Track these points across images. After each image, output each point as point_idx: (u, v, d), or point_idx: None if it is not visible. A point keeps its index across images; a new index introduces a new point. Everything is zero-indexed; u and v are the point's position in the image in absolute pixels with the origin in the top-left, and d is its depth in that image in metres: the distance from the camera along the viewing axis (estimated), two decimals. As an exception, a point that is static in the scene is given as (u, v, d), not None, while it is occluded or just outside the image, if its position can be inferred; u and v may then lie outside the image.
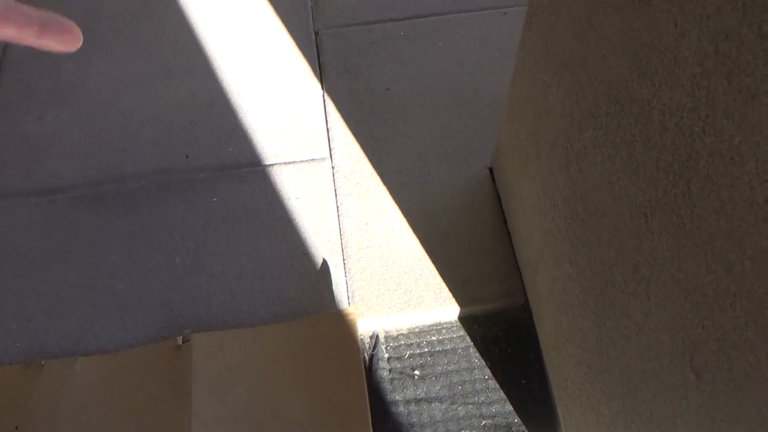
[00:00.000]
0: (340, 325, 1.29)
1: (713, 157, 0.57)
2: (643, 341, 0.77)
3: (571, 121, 0.92)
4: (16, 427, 1.18)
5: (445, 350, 1.34)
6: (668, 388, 0.72)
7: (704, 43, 0.56)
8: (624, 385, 0.84)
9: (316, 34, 1.83)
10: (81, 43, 0.35)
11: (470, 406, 1.27)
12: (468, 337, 1.36)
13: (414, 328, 1.37)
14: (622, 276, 0.80)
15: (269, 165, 1.57)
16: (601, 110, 0.81)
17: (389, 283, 1.37)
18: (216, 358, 1.25)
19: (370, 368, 1.31)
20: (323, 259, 1.41)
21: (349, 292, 1.36)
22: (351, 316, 1.30)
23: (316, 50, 1.79)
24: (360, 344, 1.31)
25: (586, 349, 0.97)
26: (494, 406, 1.27)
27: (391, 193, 1.51)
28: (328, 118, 1.65)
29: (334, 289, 1.37)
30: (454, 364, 1.32)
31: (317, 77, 1.73)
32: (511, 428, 1.24)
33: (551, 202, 1.07)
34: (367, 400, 1.21)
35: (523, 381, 1.30)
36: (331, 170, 1.56)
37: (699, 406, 0.65)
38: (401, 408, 1.26)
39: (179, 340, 1.28)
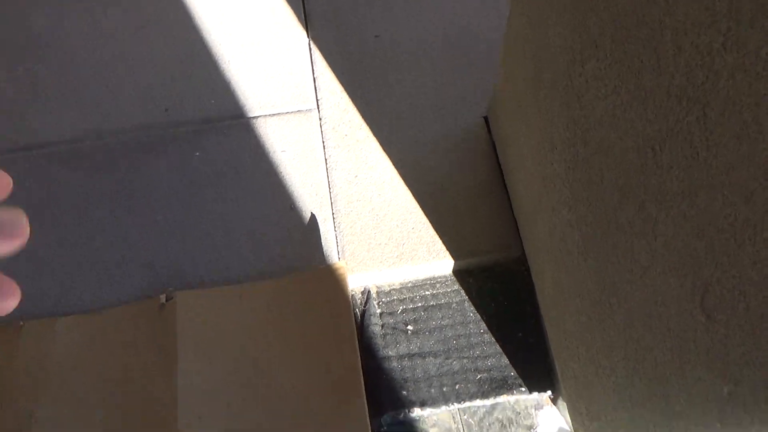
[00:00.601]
0: (330, 280, 1.24)
1: (735, 74, 0.51)
2: (648, 285, 0.72)
3: (572, 55, 0.86)
4: (-5, 390, 1.14)
5: (440, 305, 1.30)
6: (675, 334, 0.67)
7: (727, -57, 0.50)
8: (626, 333, 0.80)
9: (301, -21, 1.74)
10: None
11: (465, 360, 1.24)
12: (463, 291, 1.32)
13: (407, 283, 1.33)
14: (627, 217, 0.75)
15: (253, 117, 1.50)
16: (605, 38, 0.75)
17: (380, 236, 1.32)
18: (201, 316, 1.20)
19: (361, 324, 1.27)
20: (311, 213, 1.36)
21: (339, 247, 1.32)
22: (341, 271, 1.25)
23: (300, -4, 1.70)
24: (351, 300, 1.27)
25: (586, 297, 0.93)
26: (490, 359, 1.24)
27: (381, 144, 1.45)
28: (314, 68, 1.57)
29: (323, 244, 1.32)
30: (449, 318, 1.28)
31: (302, 25, 1.64)
32: (506, 382, 1.21)
33: (550, 146, 1.02)
34: (359, 357, 1.18)
35: (520, 334, 1.27)
36: (319, 121, 1.49)
37: (709, 349, 0.61)
38: (394, 363, 1.23)
39: (162, 298, 1.23)
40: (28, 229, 0.31)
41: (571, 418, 1.11)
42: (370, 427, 1.10)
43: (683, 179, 0.61)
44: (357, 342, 1.19)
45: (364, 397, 1.13)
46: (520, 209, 1.29)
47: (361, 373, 1.16)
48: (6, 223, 0.29)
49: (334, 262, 1.28)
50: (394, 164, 1.42)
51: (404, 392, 1.20)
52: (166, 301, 1.23)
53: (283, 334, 1.19)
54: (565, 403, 1.16)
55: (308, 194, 1.39)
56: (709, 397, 0.61)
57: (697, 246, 0.61)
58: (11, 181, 0.31)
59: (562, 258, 1.02)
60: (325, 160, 1.43)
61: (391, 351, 1.24)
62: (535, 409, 1.21)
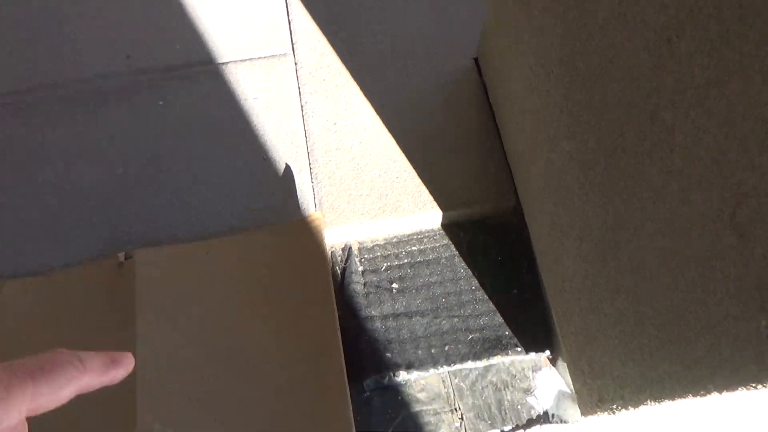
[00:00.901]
0: (305, 233, 1.13)
1: None
2: (662, 211, 0.61)
3: (570, -48, 0.73)
4: (-65, 358, 1.03)
5: (427, 260, 1.19)
6: (697, 264, 0.56)
7: None
8: (635, 273, 0.69)
9: None
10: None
11: (455, 320, 1.13)
12: (453, 246, 1.20)
13: (391, 238, 1.21)
14: (636, 133, 0.63)
15: (223, 63, 1.37)
16: None
17: (362, 187, 1.20)
18: (164, 276, 1.09)
19: (342, 282, 1.16)
20: (286, 164, 1.24)
21: (317, 200, 1.20)
22: (317, 223, 1.13)
23: (274, -66, 1.56)
24: (329, 255, 1.16)
25: (588, 239, 0.81)
26: (482, 318, 1.13)
27: (362, 89, 1.32)
28: (289, 9, 1.43)
29: (299, 197, 1.21)
30: (438, 275, 1.17)
31: (276, -36, 1.50)
32: (501, 342, 1.11)
33: (545, 72, 0.89)
34: (337, 315, 1.07)
35: (515, 291, 1.16)
36: (294, 66, 1.36)
37: (741, 277, 0.49)
38: (378, 324, 1.12)
39: (121, 257, 1.12)
40: (134, 360, 0.38)
41: (572, 379, 1.00)
42: (348, 392, 1.00)
43: (708, 67, 0.49)
44: (335, 299, 1.08)
45: (343, 359, 1.02)
46: (514, 152, 1.17)
47: (339, 334, 1.05)
48: (119, 356, 0.37)
49: (309, 213, 1.17)
50: (376, 110, 1.29)
51: (388, 354, 1.09)
52: (125, 259, 1.12)
53: (253, 292, 1.08)
54: (565, 364, 1.05)
55: (282, 144, 1.27)
56: (740, 335, 0.50)
57: (726, 149, 0.49)
58: (133, 363, 0.38)
59: (560, 198, 0.91)
60: (301, 107, 1.31)
61: (374, 311, 1.14)
62: (533, 371, 1.11)
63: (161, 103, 1.32)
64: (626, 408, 0.77)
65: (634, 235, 0.68)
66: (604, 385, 0.84)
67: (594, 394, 0.88)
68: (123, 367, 0.36)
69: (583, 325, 0.90)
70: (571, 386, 1.03)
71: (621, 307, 0.74)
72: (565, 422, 1.05)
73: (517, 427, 1.06)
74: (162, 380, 1.01)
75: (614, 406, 0.81)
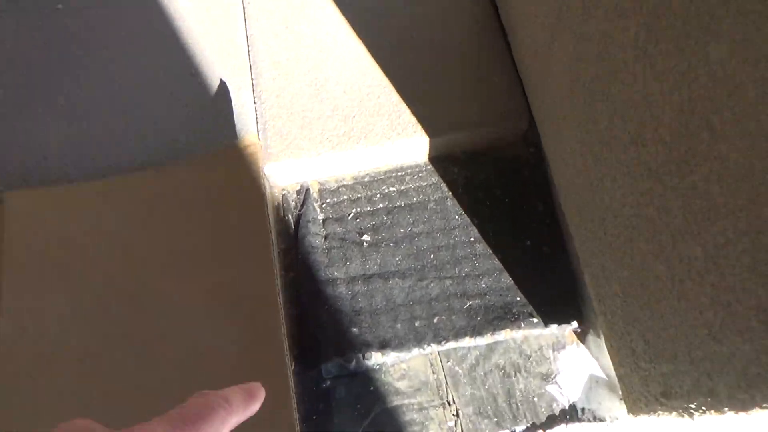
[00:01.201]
0: (235, 166, 0.82)
1: None
2: None
3: None
4: None
5: (410, 204, 0.88)
6: None
7: None
8: (753, 181, 0.38)
9: None
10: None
11: (448, 282, 0.83)
12: (444, 185, 0.90)
13: (362, 176, 0.91)
14: None
15: (143, -44, 1.05)
16: None
17: (321, 107, 0.89)
18: (43, 225, 0.79)
19: (296, 235, 0.86)
20: (221, 80, 0.93)
21: (260, 124, 0.89)
22: (251, 149, 0.82)
23: None
24: (267, 192, 0.86)
25: (652, 142, 0.50)
26: (484, 279, 0.83)
27: (324, -16, 1.00)
28: None
29: (236, 121, 0.90)
30: (424, 223, 0.87)
31: None
32: (510, 311, 0.81)
33: None
34: (276, 274, 0.77)
35: (528, 243, 0.85)
36: (236, -42, 1.04)
37: None
38: (342, 288, 0.82)
39: (-13, 201, 0.82)
40: (264, 391, 0.37)
41: (614, 361, 0.70)
42: (292, 381, 0.70)
43: None
44: (274, 255, 0.78)
45: (283, 334, 0.72)
46: (527, 52, 0.85)
47: (280, 299, 0.75)
48: (253, 388, 0.36)
49: (242, 138, 0.86)
50: (342, 10, 0.98)
51: (355, 330, 0.80)
52: (-6, 205, 0.82)
53: (164, 246, 0.78)
54: (600, 339, 0.76)
55: (217, 55, 0.95)
56: None
57: None
58: (264, 393, 0.37)
59: (600, 92, 0.60)
60: (243, 8, 0.99)
61: (338, 271, 0.84)
62: (554, 350, 0.81)
63: (60, 6, 1.01)
64: (720, 410, 0.47)
65: (751, 108, 0.37)
66: (674, 371, 0.54)
67: (654, 385, 0.58)
68: (258, 400, 0.36)
69: (636, 282, 0.59)
70: (612, 371, 0.73)
71: (718, 244, 0.43)
72: (600, 420, 0.76)
73: (534, 426, 0.77)
74: (33, 368, 0.71)
75: (693, 406, 0.51)
